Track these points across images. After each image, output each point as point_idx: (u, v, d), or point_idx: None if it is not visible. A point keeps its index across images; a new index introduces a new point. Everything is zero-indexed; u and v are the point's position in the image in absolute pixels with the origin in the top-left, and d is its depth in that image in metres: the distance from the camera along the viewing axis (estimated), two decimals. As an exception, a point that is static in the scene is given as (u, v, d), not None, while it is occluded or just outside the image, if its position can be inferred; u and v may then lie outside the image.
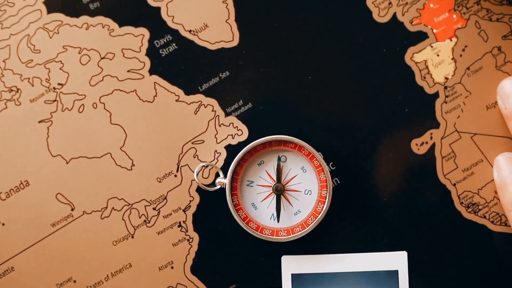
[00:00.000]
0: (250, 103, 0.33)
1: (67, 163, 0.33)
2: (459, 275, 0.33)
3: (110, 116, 0.33)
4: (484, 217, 0.33)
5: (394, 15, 0.33)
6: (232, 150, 0.33)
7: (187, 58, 0.33)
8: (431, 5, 0.33)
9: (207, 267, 0.33)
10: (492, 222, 0.33)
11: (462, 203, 0.33)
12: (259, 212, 0.33)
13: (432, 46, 0.33)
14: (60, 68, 0.33)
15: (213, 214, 0.33)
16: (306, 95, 0.33)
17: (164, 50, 0.33)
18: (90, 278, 0.33)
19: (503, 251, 0.33)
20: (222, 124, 0.33)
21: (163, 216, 0.33)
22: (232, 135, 0.33)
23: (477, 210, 0.33)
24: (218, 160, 0.33)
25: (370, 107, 0.33)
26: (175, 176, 0.33)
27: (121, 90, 0.33)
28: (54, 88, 0.33)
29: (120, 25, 0.33)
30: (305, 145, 0.32)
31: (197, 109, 0.33)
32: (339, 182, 0.33)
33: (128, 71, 0.33)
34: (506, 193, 0.32)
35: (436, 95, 0.33)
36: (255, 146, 0.32)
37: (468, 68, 0.33)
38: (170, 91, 0.33)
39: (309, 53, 0.33)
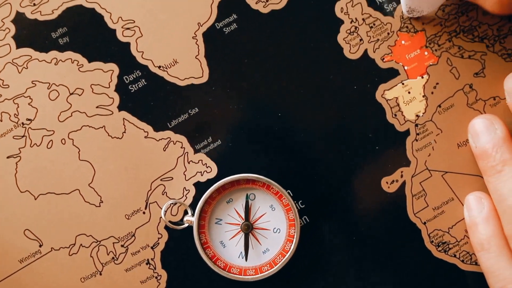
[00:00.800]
0: (219, 140, 0.33)
1: (35, 199, 0.33)
2: (429, 313, 0.33)
3: (78, 152, 0.33)
4: (455, 256, 0.33)
5: (365, 51, 0.33)
6: (201, 187, 0.33)
7: (157, 94, 0.33)
8: (403, 42, 0.33)
9: (175, 305, 0.33)
10: (463, 261, 0.33)
11: (432, 241, 0.33)
12: (228, 250, 0.32)
13: (403, 83, 0.33)
14: (29, 104, 0.33)
15: (182, 252, 0.33)
16: (276, 132, 0.33)
17: (134, 86, 0.33)
18: (58, 315, 0.33)
19: (473, 290, 0.33)
20: (191, 161, 0.33)
21: (131, 253, 0.33)
22: (201, 172, 0.33)
23: (448, 249, 0.33)
24: (186, 197, 0.33)
25: (341, 144, 0.33)
26: (144, 213, 0.33)
27: (90, 126, 0.33)
28: (22, 123, 0.33)
29: (90, 61, 0.33)
30: (273, 183, 0.32)
31: (166, 146, 0.33)
32: (308, 221, 0.33)
33: (97, 107, 0.33)
34: (475, 233, 0.32)
35: (407, 132, 0.33)
36: (223, 184, 0.32)
37: (439, 106, 0.33)
38: (139, 128, 0.33)
39: (278, 90, 0.33)
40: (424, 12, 0.32)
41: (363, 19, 0.33)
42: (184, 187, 0.33)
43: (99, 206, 0.33)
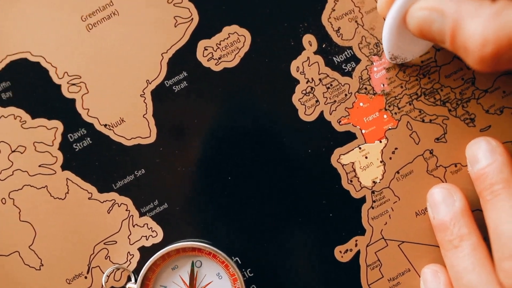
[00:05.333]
0: (166, 204, 0.32)
1: (-27, 260, 0.31)
2: None
3: (19, 213, 0.31)
4: (410, 330, 0.32)
5: (321, 113, 0.32)
6: (146, 252, 0.32)
7: (102, 154, 0.32)
8: (361, 104, 0.32)
9: None
10: (418, 335, 0.31)
11: (386, 314, 0.32)
12: (171, 319, 0.31)
13: (360, 148, 0.32)
14: (-32, 161, 0.31)
15: (124, 319, 0.31)
16: (225, 196, 0.32)
17: (78, 144, 0.32)
18: None
19: None
20: (136, 224, 0.32)
21: (72, 320, 0.31)
22: (146, 236, 0.32)
23: (402, 322, 0.32)
24: (130, 262, 0.32)
25: (292, 210, 0.32)
26: (86, 277, 0.31)
27: (31, 186, 0.31)
28: (-38, 181, 0.31)
29: (33, 117, 0.31)
30: (219, 253, 0.30)
31: (110, 208, 0.32)
32: (256, 290, 0.32)
33: (39, 165, 0.31)
34: (431, 308, 0.30)
35: (362, 199, 0.32)
36: (168, 252, 0.30)
37: (397, 172, 0.32)
38: (82, 188, 0.32)
39: (229, 153, 0.32)
40: (408, 59, 0.31)
41: (320, 79, 0.32)
42: (128, 252, 0.32)
43: (39, 269, 0.31)
